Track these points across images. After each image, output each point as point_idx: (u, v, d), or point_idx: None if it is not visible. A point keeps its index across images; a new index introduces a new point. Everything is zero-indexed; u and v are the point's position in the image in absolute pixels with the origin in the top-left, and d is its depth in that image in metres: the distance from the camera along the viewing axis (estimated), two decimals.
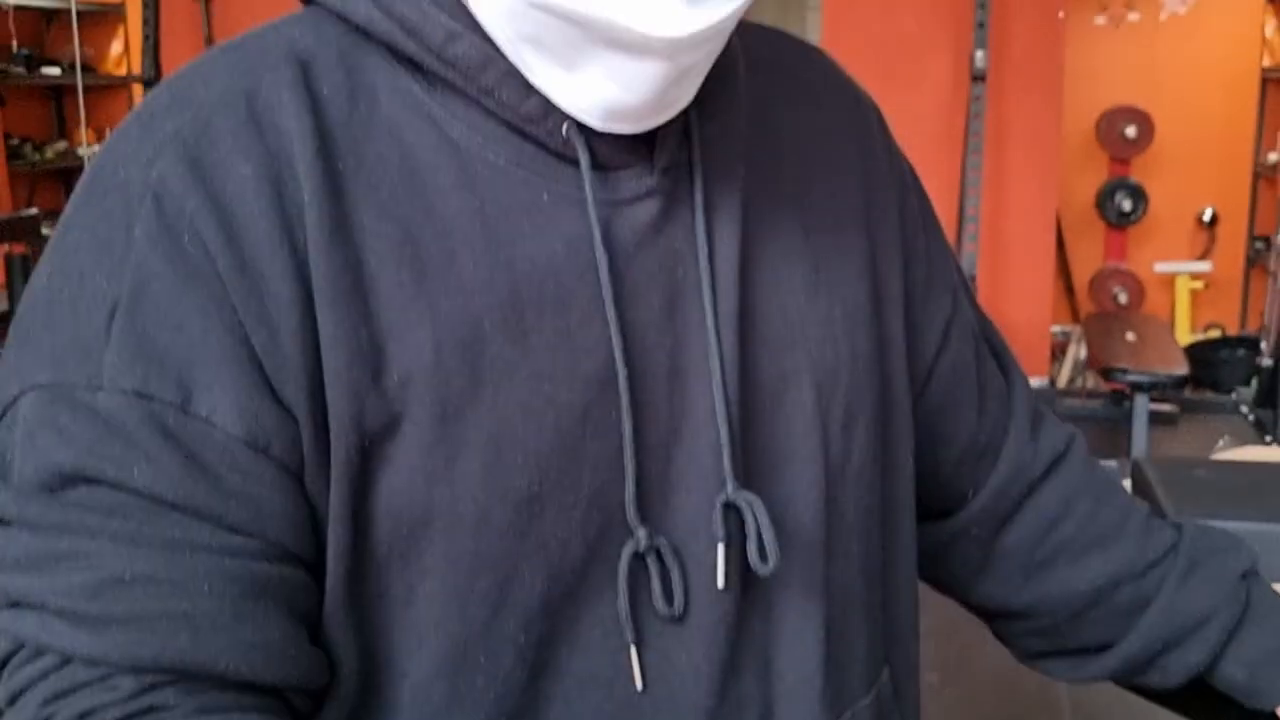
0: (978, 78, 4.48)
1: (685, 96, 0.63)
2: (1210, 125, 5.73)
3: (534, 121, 0.63)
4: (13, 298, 4.00)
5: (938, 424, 0.82)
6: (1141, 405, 4.09)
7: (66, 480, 0.58)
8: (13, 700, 0.59)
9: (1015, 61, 4.81)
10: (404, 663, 0.64)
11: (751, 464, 0.68)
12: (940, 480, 0.85)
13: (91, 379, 0.58)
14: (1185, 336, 5.57)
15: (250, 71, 0.63)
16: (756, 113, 0.73)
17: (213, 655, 0.58)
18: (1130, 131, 5.53)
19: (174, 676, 0.58)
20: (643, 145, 0.65)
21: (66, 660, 0.58)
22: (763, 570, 0.64)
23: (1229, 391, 5.10)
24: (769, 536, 0.64)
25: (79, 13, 6.24)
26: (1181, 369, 4.21)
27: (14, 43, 5.92)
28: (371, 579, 0.63)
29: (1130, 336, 4.58)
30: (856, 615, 0.74)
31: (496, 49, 0.62)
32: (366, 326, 0.60)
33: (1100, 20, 5.72)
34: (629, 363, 0.64)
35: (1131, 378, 4.10)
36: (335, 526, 0.61)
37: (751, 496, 0.65)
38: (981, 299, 4.40)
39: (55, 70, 6.00)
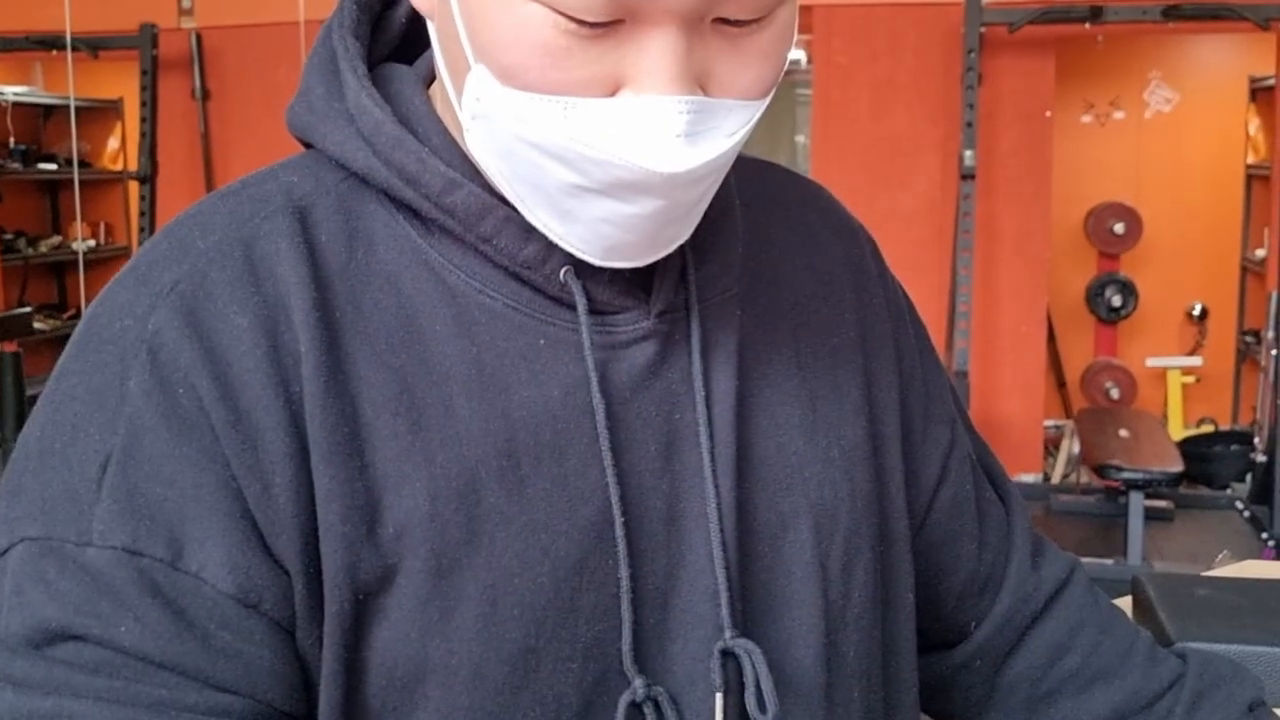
0: (967, 176, 4.53)
1: (684, 232, 0.62)
2: (1197, 221, 5.79)
3: (532, 267, 0.63)
4: (2, 397, 3.98)
5: (938, 557, 0.81)
6: (1136, 503, 4.06)
7: (53, 637, 0.57)
8: None
9: (1004, 159, 4.87)
10: None
11: (750, 609, 0.67)
12: (942, 613, 0.83)
13: (81, 534, 0.57)
14: (1178, 431, 5.56)
15: (249, 220, 0.63)
16: (753, 249, 0.72)
17: None
18: (1118, 228, 5.58)
19: None
20: (639, 288, 0.65)
21: None
22: (762, 719, 0.63)
23: (1224, 487, 5.08)
24: (767, 686, 0.62)
25: (77, 109, 6.31)
26: (1176, 466, 4.19)
27: (11, 138, 5.97)
28: None
29: (1123, 433, 4.57)
30: None
31: (495, 196, 0.62)
32: (362, 479, 0.59)
33: (1087, 119, 5.81)
34: (626, 510, 0.63)
35: (1126, 475, 4.08)
36: (328, 681, 0.60)
37: (750, 645, 0.64)
38: (974, 395, 4.41)
39: (51, 165, 6.05)
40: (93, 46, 4.82)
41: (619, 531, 0.62)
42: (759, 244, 0.73)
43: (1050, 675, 0.83)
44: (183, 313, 0.60)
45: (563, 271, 0.63)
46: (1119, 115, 5.81)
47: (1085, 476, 5.11)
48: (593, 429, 0.63)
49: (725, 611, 0.64)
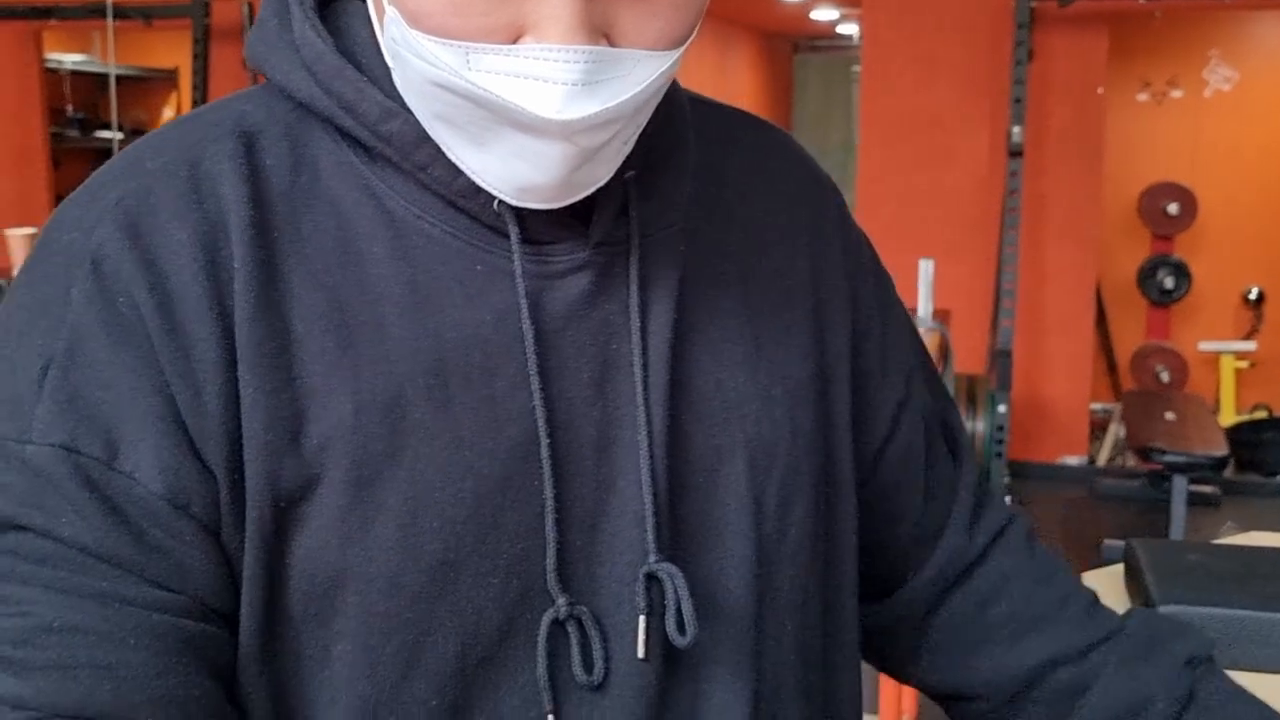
0: (1015, 153, 4.48)
1: (602, 175, 0.63)
2: (1255, 203, 5.68)
3: (467, 196, 0.64)
4: None
5: (884, 507, 0.81)
6: (1180, 487, 4.01)
7: (0, 527, 0.59)
8: None
9: (1054, 137, 4.80)
10: None
11: (680, 537, 0.67)
12: (883, 562, 0.83)
13: (22, 432, 0.59)
14: (1230, 417, 5.47)
15: (197, 143, 0.65)
16: (705, 189, 0.73)
17: (135, 709, 0.59)
18: (1172, 208, 5.49)
19: None
20: (577, 220, 0.66)
21: None
22: (680, 642, 0.64)
23: (1274, 473, 5.00)
24: (687, 609, 0.64)
25: (134, 78, 6.41)
26: (1220, 450, 4.12)
27: (69, 106, 6.09)
28: (286, 638, 0.63)
29: (1170, 416, 4.51)
30: (791, 695, 0.73)
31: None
32: (288, 390, 0.61)
33: (1143, 97, 5.71)
34: (554, 433, 0.64)
35: (1168, 458, 4.03)
36: (249, 585, 0.62)
37: (672, 569, 0.65)
38: (1018, 376, 4.36)
39: (108, 133, 6.15)
40: (146, 15, 4.89)
41: (544, 452, 0.64)
42: (712, 184, 0.74)
43: (978, 623, 0.82)
44: (125, 226, 0.62)
45: (496, 201, 0.64)
46: (1176, 94, 5.71)
47: (1133, 461, 5.05)
48: (523, 354, 0.64)
49: (650, 536, 0.65)
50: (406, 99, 0.63)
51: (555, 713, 0.65)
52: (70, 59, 6.25)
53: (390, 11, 0.59)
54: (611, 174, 0.64)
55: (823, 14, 7.82)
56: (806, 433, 0.72)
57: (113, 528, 0.59)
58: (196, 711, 0.61)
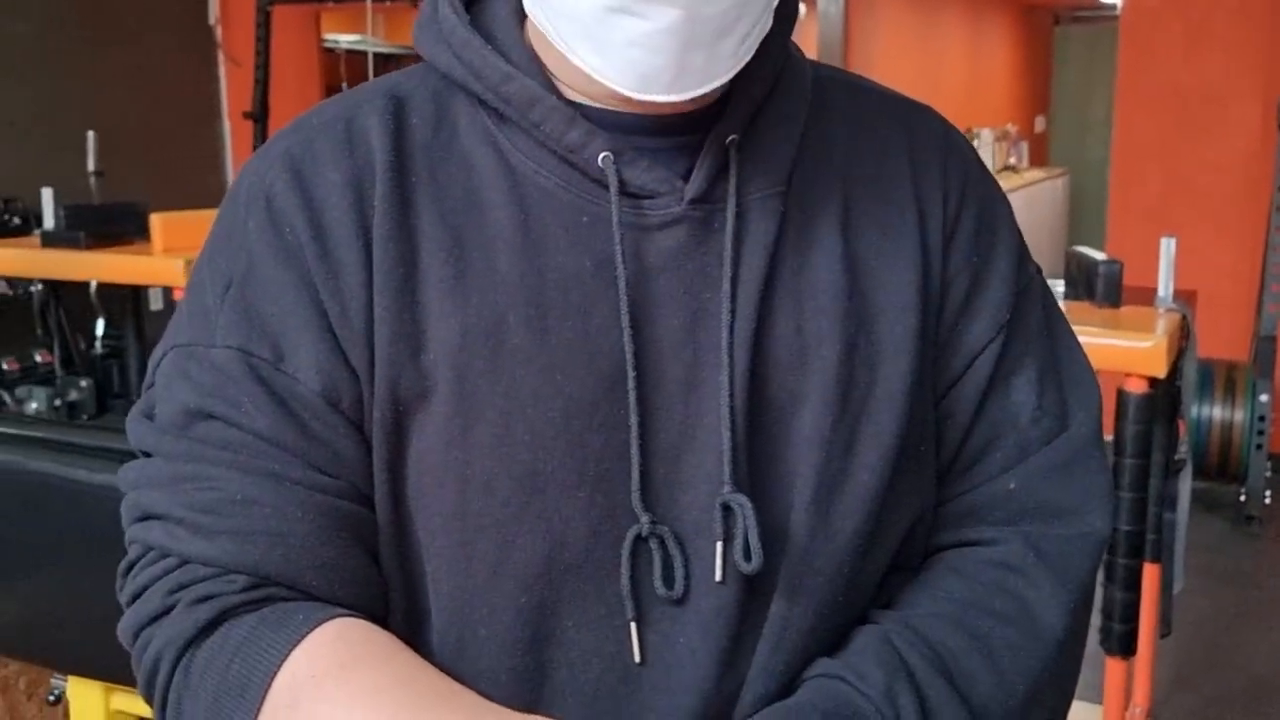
0: None
1: (719, 71, 0.69)
2: None
3: (575, 151, 0.73)
4: None
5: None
6: None
7: (192, 416, 0.73)
8: (135, 597, 0.73)
9: None
10: (429, 606, 0.75)
11: (755, 473, 0.73)
12: None
13: (210, 337, 0.73)
14: None
15: (355, 105, 0.78)
16: (813, 158, 0.78)
17: (301, 571, 0.71)
18: None
19: (275, 583, 0.71)
20: (677, 176, 0.74)
21: (185, 561, 0.72)
22: (745, 568, 0.70)
23: None
24: (754, 538, 0.70)
25: (401, 55, 6.75)
26: None
27: (344, 84, 6.45)
28: (408, 529, 0.74)
29: None
30: (831, 633, 0.76)
31: (544, 88, 0.73)
32: (411, 311, 0.72)
33: None
34: (642, 370, 0.72)
35: None
36: (379, 477, 0.73)
37: (743, 499, 0.71)
38: None
39: None
40: None
41: (630, 383, 0.71)
42: (821, 152, 0.79)
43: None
44: (290, 169, 0.74)
45: (600, 157, 0.72)
46: None
47: None
48: (618, 298, 0.72)
49: (727, 469, 0.71)
50: (532, 13, 0.72)
51: (638, 620, 0.72)
52: (345, 39, 6.64)
53: None
54: (730, 73, 0.70)
55: None
56: (888, 385, 0.75)
57: (281, 418, 0.71)
58: (351, 578, 0.72)
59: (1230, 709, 2.93)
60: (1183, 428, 2.47)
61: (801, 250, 0.75)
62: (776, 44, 0.76)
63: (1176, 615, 2.72)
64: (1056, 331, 0.84)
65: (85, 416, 4.48)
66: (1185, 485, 2.46)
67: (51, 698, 1.48)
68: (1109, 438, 0.84)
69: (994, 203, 0.83)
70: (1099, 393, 0.84)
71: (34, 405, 4.38)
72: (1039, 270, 0.86)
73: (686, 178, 0.73)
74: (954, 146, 0.83)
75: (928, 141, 0.82)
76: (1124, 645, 2.26)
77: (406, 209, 0.73)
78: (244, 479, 0.71)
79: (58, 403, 4.41)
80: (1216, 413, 3.93)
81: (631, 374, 0.71)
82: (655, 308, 0.72)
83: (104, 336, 4.70)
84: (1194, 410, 3.88)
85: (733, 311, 0.72)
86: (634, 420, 0.71)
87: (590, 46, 0.69)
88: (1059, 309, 0.86)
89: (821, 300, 0.75)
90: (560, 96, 0.74)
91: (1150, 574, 2.58)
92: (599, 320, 0.72)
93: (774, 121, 0.77)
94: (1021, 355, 0.81)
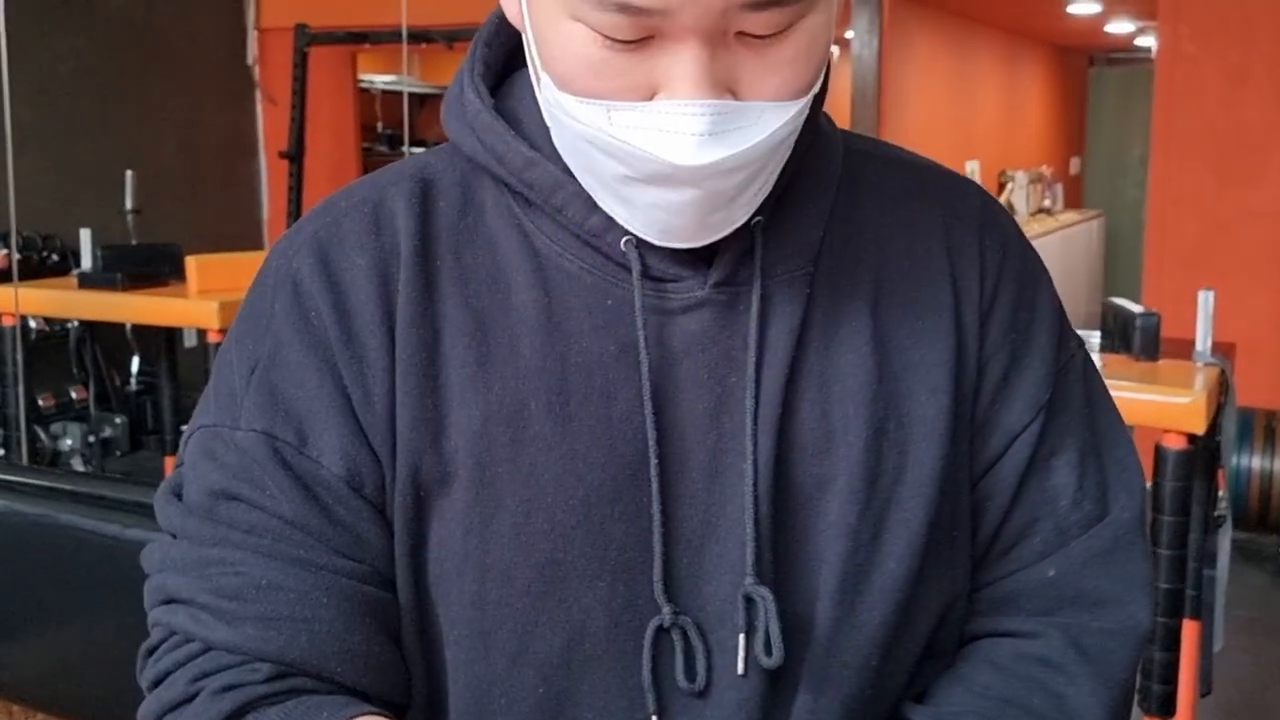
0: None
1: (738, 218, 0.69)
2: None
3: (597, 235, 0.73)
4: None
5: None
6: None
7: (217, 497, 0.73)
8: (157, 683, 0.72)
9: None
10: (448, 694, 0.74)
11: (780, 562, 0.72)
12: None
13: (235, 420, 0.74)
14: None
15: (383, 186, 0.78)
16: (842, 235, 0.77)
17: (325, 658, 0.70)
18: None
19: (299, 671, 0.70)
20: (700, 260, 0.73)
21: (209, 648, 0.71)
22: (766, 663, 0.69)
23: None
24: (774, 632, 0.69)
25: (436, 95, 6.81)
26: None
27: (379, 124, 6.52)
28: (430, 615, 0.74)
29: None
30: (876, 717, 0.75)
31: (567, 174, 0.73)
32: (432, 396, 0.72)
33: None
34: (665, 456, 0.71)
35: None
36: (400, 564, 0.73)
37: (765, 592, 0.70)
38: None
39: (416, 149, 6.57)
40: (448, 39, 5.19)
41: (653, 471, 0.70)
42: (852, 229, 0.78)
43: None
44: (318, 254, 0.75)
45: (623, 241, 0.72)
46: None
47: None
48: (641, 383, 0.71)
49: (750, 559, 0.70)
50: (564, 156, 0.72)
51: (659, 714, 0.71)
52: (381, 79, 6.71)
53: (544, 77, 0.68)
54: (747, 215, 0.70)
55: (1118, 26, 7.48)
56: (918, 471, 0.74)
57: (304, 502, 0.71)
58: (376, 664, 0.72)
59: None
60: (1222, 482, 2.43)
61: (829, 332, 0.74)
62: (805, 122, 0.74)
63: (1217, 673, 2.67)
64: (1098, 410, 0.82)
65: (119, 453, 4.51)
66: (1225, 541, 2.42)
67: None
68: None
69: (1033, 277, 0.81)
70: (1142, 475, 0.82)
71: (69, 441, 4.41)
72: (1081, 345, 0.84)
73: (710, 261, 0.73)
74: (991, 220, 0.81)
75: (964, 215, 0.80)
76: (1163, 706, 2.22)
77: (431, 293, 0.73)
78: (269, 564, 0.71)
79: (91, 439, 4.44)
80: (1256, 462, 3.88)
81: (654, 461, 0.70)
82: (679, 392, 0.72)
83: (138, 374, 4.74)
84: (1233, 460, 3.82)
85: (757, 397, 0.72)
86: (656, 508, 0.70)
87: (616, 201, 0.69)
88: (1102, 385, 0.84)
89: (849, 384, 0.73)
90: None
91: (1189, 631, 2.53)
92: (622, 406, 0.71)
93: (801, 201, 0.76)
94: (1062, 436, 0.79)
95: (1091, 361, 0.84)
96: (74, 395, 4.65)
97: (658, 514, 0.70)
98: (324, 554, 0.71)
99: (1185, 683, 2.52)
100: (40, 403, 4.52)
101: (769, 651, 0.69)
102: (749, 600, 0.70)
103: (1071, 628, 0.77)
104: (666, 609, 0.70)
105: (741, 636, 0.70)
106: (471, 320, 0.72)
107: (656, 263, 0.72)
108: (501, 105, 0.76)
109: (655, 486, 0.70)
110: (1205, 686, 2.59)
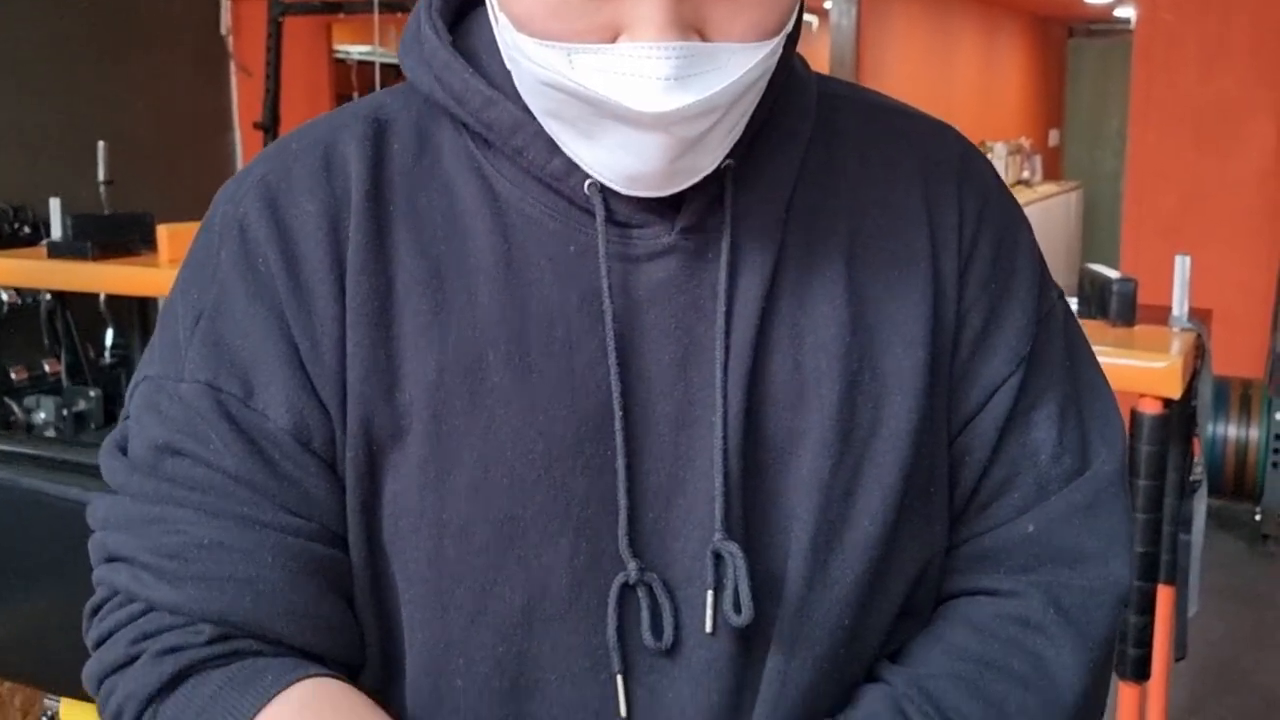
0: None
1: (704, 165, 0.66)
2: None
3: (559, 179, 0.70)
4: None
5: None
6: None
7: (161, 452, 0.70)
8: (100, 643, 0.70)
9: None
10: (405, 654, 0.71)
11: (751, 518, 0.69)
12: None
13: (178, 372, 0.71)
14: None
15: (335, 129, 0.74)
16: (817, 181, 0.74)
17: (271, 619, 0.68)
18: None
19: (243, 632, 0.68)
20: (667, 206, 0.70)
21: (151, 608, 0.68)
22: (735, 621, 0.66)
23: None
24: (744, 589, 0.66)
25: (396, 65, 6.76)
26: None
27: (355, 94, 6.45)
28: (385, 573, 0.71)
29: None
30: (852, 678, 0.73)
31: (528, 114, 0.69)
32: (385, 347, 0.69)
33: None
34: (630, 409, 0.68)
35: None
36: (352, 520, 0.70)
37: (734, 548, 0.67)
38: None
39: None
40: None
41: (617, 424, 0.68)
42: (827, 174, 0.75)
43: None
44: (266, 199, 0.72)
45: (586, 185, 0.69)
46: None
47: None
48: (605, 333, 0.68)
49: (719, 514, 0.68)
50: (525, 98, 0.68)
51: (624, 674, 0.68)
52: (357, 50, 6.64)
53: (501, 18, 0.65)
54: (715, 163, 0.67)
55: None
56: (893, 425, 0.71)
57: (250, 456, 0.68)
58: (324, 625, 0.69)
59: None
60: (1198, 448, 2.44)
61: (801, 282, 0.72)
62: (777, 64, 0.72)
63: (1191, 637, 2.69)
64: (1079, 363, 0.80)
65: (94, 426, 4.47)
66: (1200, 506, 2.43)
67: (45, 718, 1.46)
68: None
69: (1014, 227, 0.79)
70: (1123, 429, 0.80)
71: (42, 415, 4.37)
72: (1061, 295, 0.82)
73: (678, 207, 0.70)
74: (971, 167, 0.79)
75: (942, 163, 0.78)
76: (1138, 670, 2.22)
77: (383, 240, 0.70)
78: (212, 522, 0.68)
79: (65, 412, 4.40)
80: (1232, 431, 3.89)
81: (619, 413, 0.68)
82: (644, 343, 0.69)
83: (112, 347, 4.69)
84: (1209, 429, 3.84)
85: (727, 348, 0.69)
86: (621, 462, 0.68)
87: (581, 143, 0.66)
88: (1083, 336, 0.82)
89: (822, 335, 0.71)
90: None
91: (1164, 596, 2.54)
92: (584, 357, 0.68)
93: (773, 145, 0.73)
94: (1042, 389, 0.77)
95: (1072, 313, 0.82)
96: (47, 368, 4.60)
97: (622, 468, 0.68)
98: (270, 511, 0.68)
99: (1160, 647, 2.53)
100: (13, 376, 4.47)
101: (738, 609, 0.66)
102: (718, 557, 0.68)
103: (1051, 586, 0.75)
104: (632, 565, 0.68)
105: (710, 593, 0.68)
106: (426, 267, 0.70)
107: (621, 208, 0.69)
108: (460, 43, 0.73)
109: (620, 440, 0.68)
110: (1180, 651, 2.60)
